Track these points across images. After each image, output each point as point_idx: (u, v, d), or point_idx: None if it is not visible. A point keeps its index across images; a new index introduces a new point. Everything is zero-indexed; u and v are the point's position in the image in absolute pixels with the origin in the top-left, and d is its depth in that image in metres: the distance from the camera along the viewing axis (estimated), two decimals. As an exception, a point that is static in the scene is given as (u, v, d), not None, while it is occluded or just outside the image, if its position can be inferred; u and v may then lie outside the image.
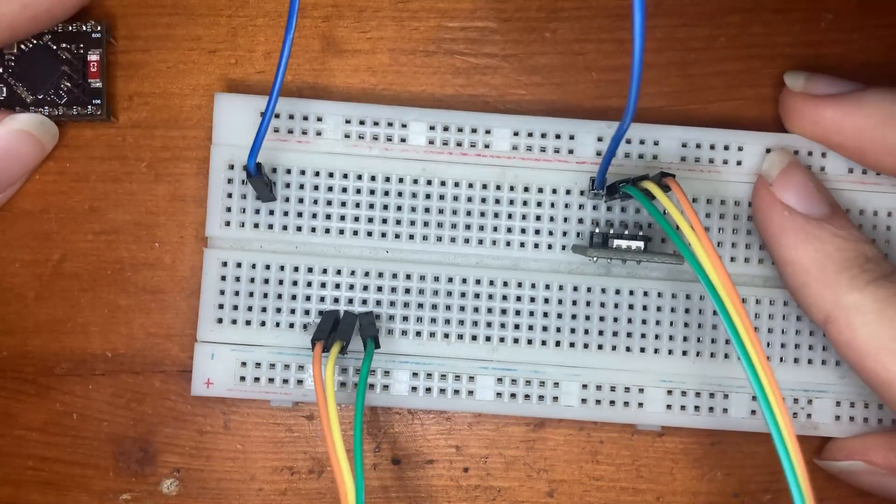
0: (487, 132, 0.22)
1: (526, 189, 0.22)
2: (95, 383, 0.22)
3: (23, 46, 0.22)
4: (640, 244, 0.20)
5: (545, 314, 0.22)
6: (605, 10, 0.23)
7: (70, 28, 0.22)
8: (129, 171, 0.23)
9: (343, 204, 0.22)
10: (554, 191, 0.22)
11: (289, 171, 0.22)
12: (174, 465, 0.22)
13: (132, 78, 0.23)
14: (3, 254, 0.23)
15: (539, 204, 0.22)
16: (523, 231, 0.22)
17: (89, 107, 0.22)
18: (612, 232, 0.22)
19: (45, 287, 0.23)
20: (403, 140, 0.22)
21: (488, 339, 0.22)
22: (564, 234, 0.22)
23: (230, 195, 0.22)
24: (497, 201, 0.22)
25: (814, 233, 0.20)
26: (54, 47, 0.22)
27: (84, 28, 0.22)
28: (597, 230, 0.22)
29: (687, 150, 0.22)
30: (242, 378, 0.22)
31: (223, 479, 0.22)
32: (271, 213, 0.22)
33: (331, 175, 0.22)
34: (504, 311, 0.22)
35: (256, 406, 0.23)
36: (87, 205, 0.23)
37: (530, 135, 0.22)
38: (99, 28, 0.22)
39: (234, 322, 0.22)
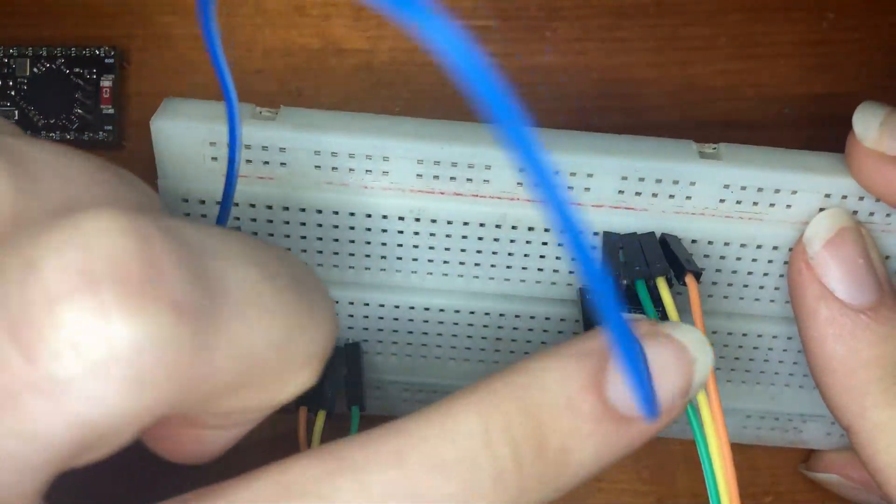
0: (487, 167, 0.18)
1: (531, 229, 0.19)
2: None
3: (35, 70, 0.21)
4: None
5: (543, 343, 0.21)
6: (606, 10, 0.21)
7: (84, 53, 0.22)
8: (128, 170, 0.21)
9: (319, 238, 0.19)
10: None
11: (252, 206, 0.19)
12: (172, 467, 0.23)
13: (130, 78, 0.22)
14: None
15: (545, 244, 0.19)
16: (525, 268, 0.20)
17: (101, 133, 0.22)
18: (625, 283, 0.19)
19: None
20: (386, 173, 0.18)
21: (481, 361, 0.21)
22: (571, 272, 0.20)
23: (190, 228, 0.19)
24: (496, 240, 0.19)
25: (848, 328, 0.18)
26: (67, 72, 0.22)
27: (97, 53, 0.22)
28: (606, 285, 0.19)
29: (729, 191, 0.18)
30: (233, 389, 0.22)
31: (222, 480, 0.23)
32: (240, 245, 0.20)
33: (302, 210, 0.19)
34: (499, 339, 0.21)
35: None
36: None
37: (539, 171, 0.18)
38: (112, 53, 0.22)
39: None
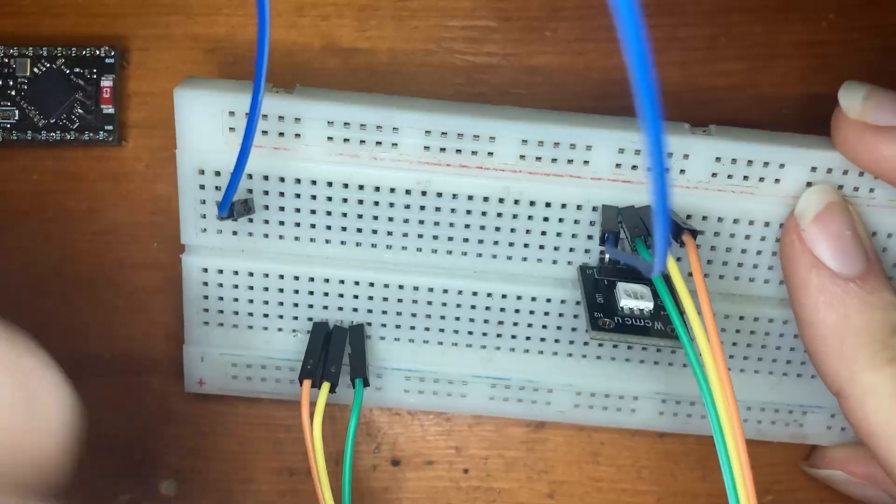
0: (491, 139, 0.19)
1: (532, 203, 0.20)
2: (93, 384, 0.22)
3: (35, 70, 0.22)
4: (650, 305, 0.19)
5: (544, 326, 0.21)
6: (606, 10, 0.21)
7: (84, 53, 0.22)
8: (128, 170, 0.22)
9: (328, 213, 0.20)
10: (563, 206, 0.20)
11: (266, 178, 0.20)
12: (173, 466, 0.23)
13: (131, 78, 0.22)
14: (1, 255, 0.22)
15: (546, 219, 0.20)
16: (526, 245, 0.20)
17: (101, 132, 0.22)
18: (621, 263, 0.20)
19: (43, 288, 0.22)
20: (395, 145, 0.19)
21: (483, 347, 0.22)
22: (571, 249, 0.20)
23: (204, 202, 0.20)
24: (499, 215, 0.20)
25: (838, 295, 0.18)
26: (67, 72, 0.22)
27: (98, 53, 0.22)
28: (607, 258, 0.20)
29: (720, 164, 0.19)
30: (235, 377, 0.22)
31: (222, 481, 0.23)
32: (251, 220, 0.20)
33: (313, 183, 0.20)
34: (501, 322, 0.21)
35: (255, 406, 0.23)
36: (86, 205, 0.22)
37: (541, 144, 0.19)
38: (112, 53, 0.22)
39: (221, 325, 0.22)
